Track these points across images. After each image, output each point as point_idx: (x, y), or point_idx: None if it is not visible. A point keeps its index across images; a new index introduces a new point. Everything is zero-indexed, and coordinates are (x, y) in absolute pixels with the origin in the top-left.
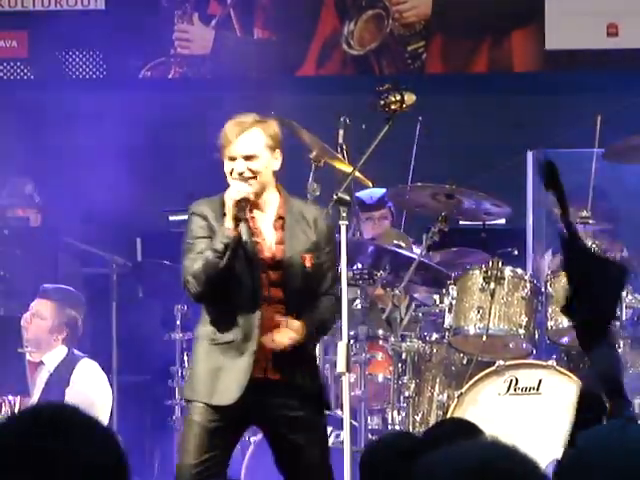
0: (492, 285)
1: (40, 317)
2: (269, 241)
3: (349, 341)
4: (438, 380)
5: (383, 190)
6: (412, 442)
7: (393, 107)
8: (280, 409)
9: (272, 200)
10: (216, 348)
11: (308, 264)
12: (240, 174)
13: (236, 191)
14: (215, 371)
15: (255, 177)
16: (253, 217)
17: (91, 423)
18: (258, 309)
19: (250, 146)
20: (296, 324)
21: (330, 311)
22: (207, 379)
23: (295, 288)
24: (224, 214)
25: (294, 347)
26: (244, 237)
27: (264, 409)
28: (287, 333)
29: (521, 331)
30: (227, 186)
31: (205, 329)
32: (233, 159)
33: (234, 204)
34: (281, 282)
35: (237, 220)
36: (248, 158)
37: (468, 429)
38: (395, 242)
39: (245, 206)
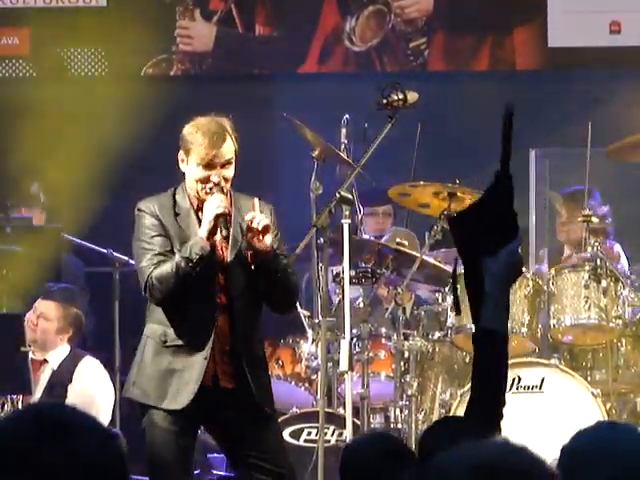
0: None
1: (46, 318)
2: (217, 240)
3: (352, 339)
4: (441, 378)
5: (383, 189)
6: (394, 443)
7: (395, 105)
8: (230, 415)
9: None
10: (166, 350)
11: (250, 261)
12: (217, 184)
13: (218, 205)
14: (166, 374)
15: (227, 185)
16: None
17: (90, 423)
18: (214, 315)
19: (229, 153)
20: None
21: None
22: (158, 382)
23: (238, 291)
24: (177, 214)
25: (246, 351)
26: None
27: (214, 416)
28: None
29: (524, 330)
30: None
31: (155, 328)
32: (210, 167)
33: (215, 218)
34: (225, 284)
35: (214, 232)
36: (224, 165)
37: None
38: (399, 240)
39: (224, 219)
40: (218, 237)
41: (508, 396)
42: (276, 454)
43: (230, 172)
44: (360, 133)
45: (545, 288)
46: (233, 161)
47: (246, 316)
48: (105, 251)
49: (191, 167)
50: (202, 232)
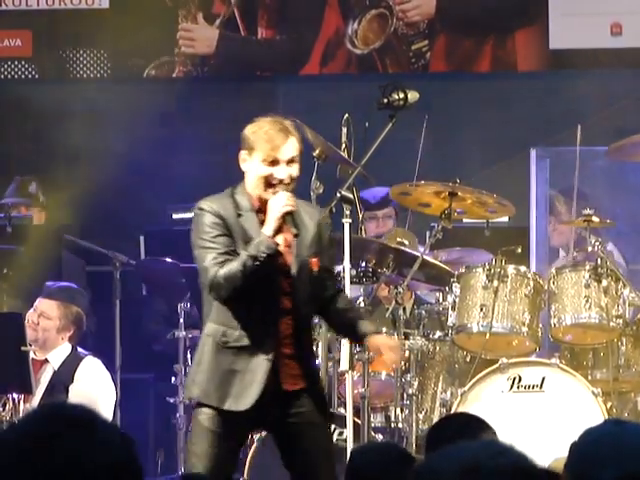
0: (495, 283)
1: (47, 317)
2: (282, 247)
3: None
4: (441, 378)
5: (386, 189)
6: (399, 450)
7: (396, 105)
8: (291, 417)
9: None
10: (227, 350)
11: (315, 267)
12: (281, 181)
13: (285, 203)
14: (227, 374)
15: (291, 184)
16: (263, 222)
17: (95, 422)
18: (277, 318)
19: (294, 151)
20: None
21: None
22: (220, 383)
23: (303, 295)
24: (238, 214)
25: (308, 354)
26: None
27: (275, 417)
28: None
29: (524, 329)
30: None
31: (216, 328)
32: (275, 163)
33: (282, 216)
34: (290, 289)
35: (279, 230)
36: (289, 163)
37: (476, 423)
38: (399, 240)
39: (291, 218)
40: (281, 240)
41: (509, 396)
42: (319, 466)
43: (295, 171)
44: (361, 132)
45: (546, 287)
46: (298, 160)
47: (308, 320)
48: (106, 250)
49: (254, 165)
50: (268, 230)
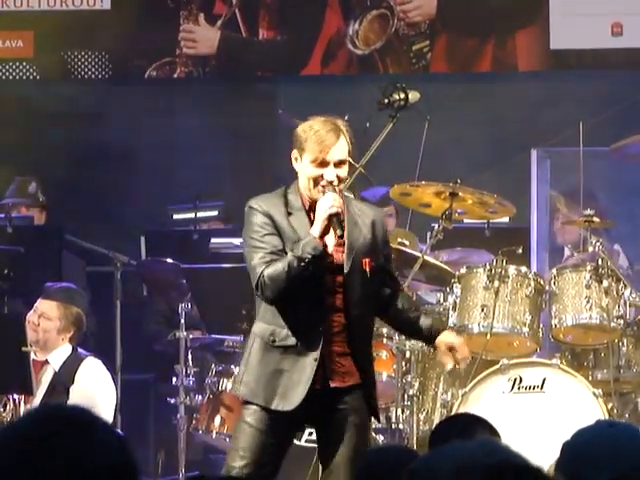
0: (496, 283)
1: (47, 318)
2: (330, 244)
3: None
4: (442, 379)
5: (386, 188)
6: (410, 454)
7: (397, 105)
8: (335, 413)
9: None
10: (275, 349)
11: (368, 268)
12: (330, 182)
13: (332, 205)
14: (275, 374)
15: (340, 184)
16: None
17: (94, 423)
18: (323, 316)
19: (344, 152)
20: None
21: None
22: (267, 382)
23: (355, 294)
24: (289, 213)
25: (361, 352)
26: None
27: (321, 415)
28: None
29: (525, 329)
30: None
31: (264, 327)
32: (325, 165)
33: (328, 217)
34: (342, 288)
35: (326, 232)
36: (338, 165)
37: (479, 424)
38: (400, 240)
39: (337, 219)
40: (332, 239)
41: (509, 396)
42: (343, 466)
43: (343, 172)
44: (361, 133)
45: (547, 288)
46: (347, 161)
47: (362, 319)
48: (106, 251)
49: (305, 165)
50: (315, 231)
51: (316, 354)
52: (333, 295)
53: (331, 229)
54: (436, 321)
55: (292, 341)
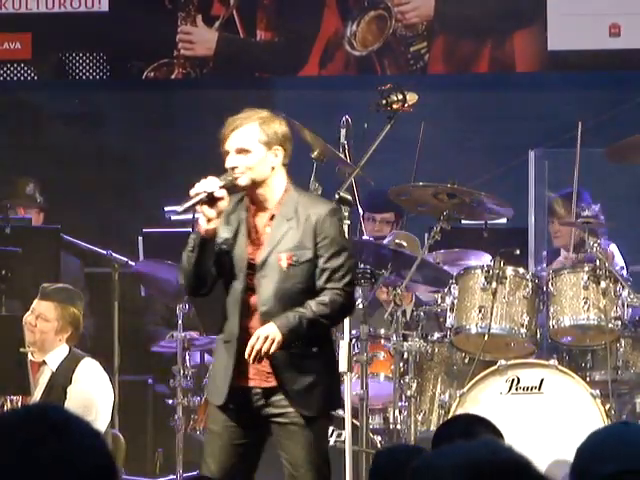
0: (494, 284)
1: (44, 319)
2: (261, 238)
3: (351, 340)
4: (440, 379)
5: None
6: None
7: (395, 106)
8: (271, 417)
9: (274, 198)
10: (222, 347)
11: (284, 264)
12: (232, 168)
13: (198, 185)
14: (218, 370)
15: (244, 172)
16: (255, 215)
17: (76, 422)
18: (239, 313)
19: (242, 140)
20: (264, 331)
21: (328, 306)
22: (213, 378)
23: (269, 291)
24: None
25: (282, 352)
26: (225, 235)
27: (257, 416)
28: (260, 342)
29: (523, 330)
30: None
31: (222, 327)
32: (228, 153)
33: (189, 196)
34: (256, 285)
35: (206, 217)
36: (240, 152)
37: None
38: (397, 241)
39: (201, 202)
40: (260, 237)
41: (507, 397)
42: (296, 468)
43: (247, 160)
44: (359, 134)
45: (544, 289)
46: (255, 150)
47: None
48: (104, 252)
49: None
50: (200, 218)
51: (233, 349)
52: (250, 293)
53: (207, 214)
54: (283, 317)
55: (226, 338)
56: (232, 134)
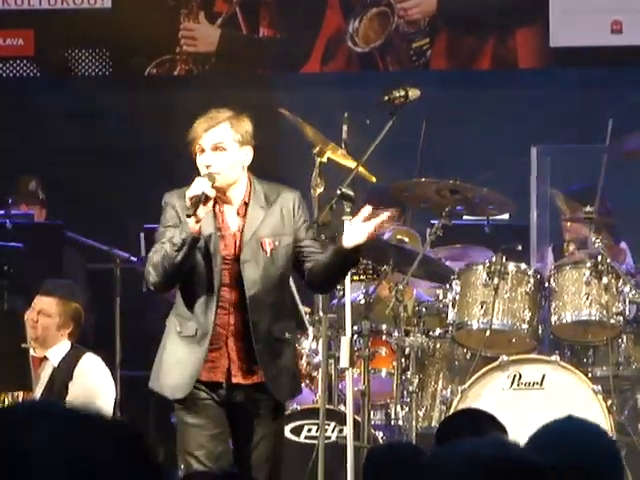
0: (496, 280)
1: (46, 315)
2: (233, 231)
3: (352, 336)
4: (441, 375)
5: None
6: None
7: (397, 102)
8: (240, 410)
9: (240, 194)
10: (180, 340)
11: (268, 248)
12: (207, 166)
13: (192, 187)
14: (176, 364)
15: (221, 170)
16: (222, 212)
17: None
18: (215, 306)
19: (218, 139)
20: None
21: None
22: (170, 372)
23: (254, 275)
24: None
25: (266, 347)
26: (207, 232)
27: (230, 411)
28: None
29: (524, 326)
30: None
31: (173, 319)
32: (202, 151)
33: (189, 200)
34: (238, 279)
35: (197, 216)
36: (216, 149)
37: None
38: (399, 237)
39: (200, 203)
40: (232, 228)
41: (509, 393)
42: (259, 468)
43: (222, 158)
44: (362, 130)
45: (546, 285)
46: (229, 148)
47: (263, 310)
48: (106, 248)
49: (197, 157)
50: (188, 218)
51: (206, 344)
52: (230, 288)
53: (204, 214)
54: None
55: (191, 332)
56: (206, 133)
